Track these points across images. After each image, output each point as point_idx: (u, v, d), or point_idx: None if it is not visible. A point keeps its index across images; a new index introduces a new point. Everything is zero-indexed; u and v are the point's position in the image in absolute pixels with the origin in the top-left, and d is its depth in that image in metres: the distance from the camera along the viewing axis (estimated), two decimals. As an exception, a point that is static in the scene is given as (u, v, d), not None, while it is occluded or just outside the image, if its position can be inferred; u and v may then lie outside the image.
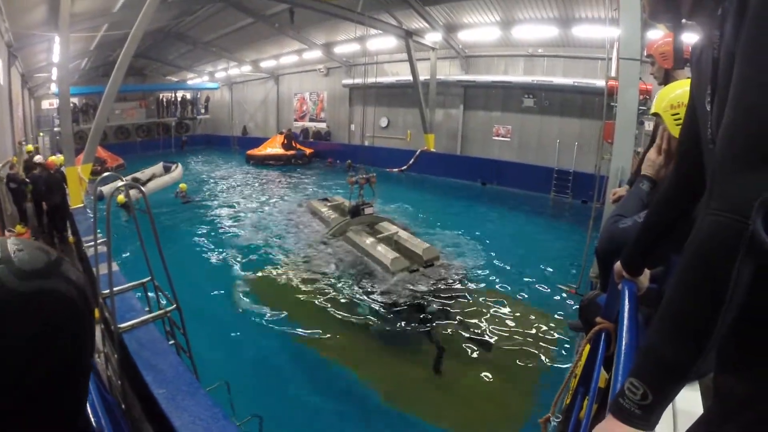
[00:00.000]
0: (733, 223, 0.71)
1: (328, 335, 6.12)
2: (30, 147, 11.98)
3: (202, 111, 28.87)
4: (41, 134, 19.54)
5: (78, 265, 7.37)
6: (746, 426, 0.88)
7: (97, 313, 4.88)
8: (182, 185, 14.22)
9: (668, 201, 1.41)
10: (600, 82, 10.64)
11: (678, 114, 1.82)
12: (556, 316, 6.53)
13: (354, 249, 8.71)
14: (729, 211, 0.72)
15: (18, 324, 0.58)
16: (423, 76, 17.17)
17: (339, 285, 7.57)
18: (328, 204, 11.55)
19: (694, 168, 1.20)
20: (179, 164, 16.48)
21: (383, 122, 20.66)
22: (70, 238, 8.46)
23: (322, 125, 24.17)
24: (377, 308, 6.75)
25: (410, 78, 17.06)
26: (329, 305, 6.94)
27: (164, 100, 27.43)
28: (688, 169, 1.27)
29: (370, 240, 8.65)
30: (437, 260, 8.00)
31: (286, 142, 22.04)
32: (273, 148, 22.05)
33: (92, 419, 1.15)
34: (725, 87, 0.80)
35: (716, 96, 0.88)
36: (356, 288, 7.42)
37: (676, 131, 1.83)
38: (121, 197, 8.09)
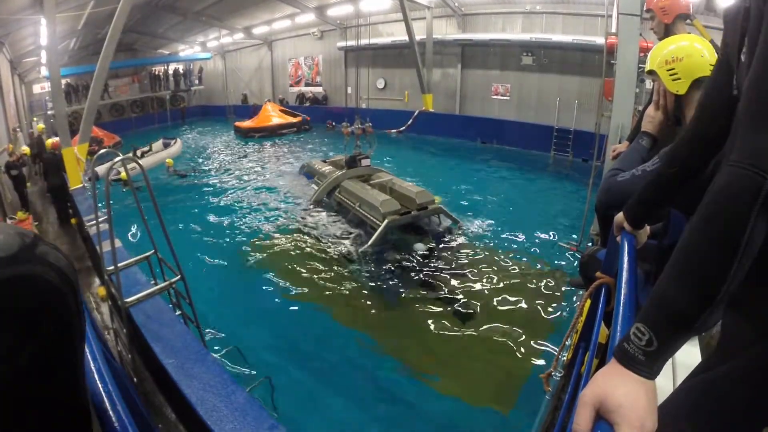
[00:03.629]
0: (753, 175, 0.71)
1: (330, 295, 6.22)
2: (41, 126, 12.23)
3: (196, 82, 28.40)
4: (35, 119, 19.39)
5: (81, 243, 7.44)
6: (754, 359, 0.90)
7: (103, 291, 4.96)
8: (168, 161, 13.95)
9: (681, 155, 1.37)
10: (600, 40, 10.41)
11: (673, 69, 1.81)
12: (556, 273, 6.56)
13: (348, 198, 8.64)
14: (749, 164, 0.72)
15: None
16: (419, 36, 16.76)
17: (336, 240, 7.71)
18: (327, 162, 11.49)
19: (715, 124, 1.17)
20: (178, 139, 16.35)
21: (380, 84, 20.35)
22: (72, 219, 8.49)
23: (319, 89, 23.80)
24: (372, 263, 6.87)
25: (406, 38, 16.60)
26: (327, 263, 7.04)
27: (158, 73, 26.91)
28: (708, 125, 1.24)
29: (363, 187, 8.57)
30: (432, 204, 7.87)
31: (282, 108, 21.47)
32: (276, 117, 20.70)
33: (104, 396, 1.17)
34: (754, 39, 0.79)
35: (746, 47, 0.87)
36: (352, 241, 7.57)
37: (672, 86, 1.83)
38: (123, 174, 8.10)
